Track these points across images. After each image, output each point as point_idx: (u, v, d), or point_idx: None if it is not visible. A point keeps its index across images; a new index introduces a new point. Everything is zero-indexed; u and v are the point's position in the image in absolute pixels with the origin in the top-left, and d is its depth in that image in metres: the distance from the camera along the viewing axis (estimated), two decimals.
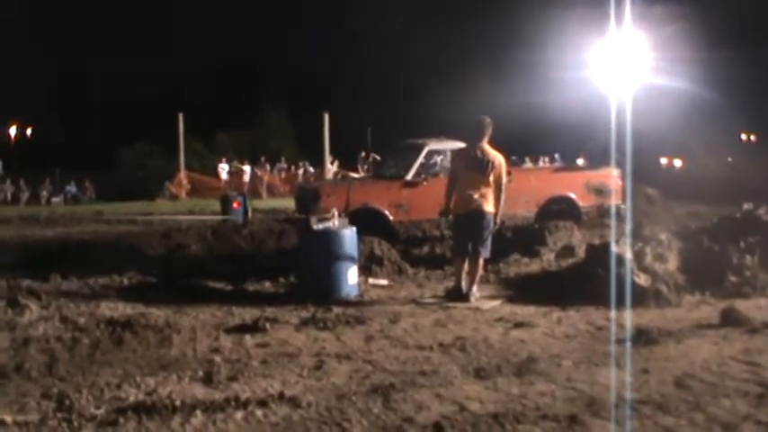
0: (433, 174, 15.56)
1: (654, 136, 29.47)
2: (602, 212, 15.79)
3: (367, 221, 13.08)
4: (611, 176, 16.17)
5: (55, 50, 61.47)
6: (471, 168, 10.23)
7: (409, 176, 15.15)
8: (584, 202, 15.99)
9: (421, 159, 15.35)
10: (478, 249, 10.33)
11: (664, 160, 43.52)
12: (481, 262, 10.48)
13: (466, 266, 10.45)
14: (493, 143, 10.42)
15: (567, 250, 13.31)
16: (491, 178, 10.27)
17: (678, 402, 6.08)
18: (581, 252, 12.41)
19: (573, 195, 15.93)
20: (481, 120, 10.43)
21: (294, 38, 73.03)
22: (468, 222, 10.31)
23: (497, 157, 10.37)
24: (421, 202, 14.82)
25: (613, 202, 15.56)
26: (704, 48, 34.04)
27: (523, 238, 13.97)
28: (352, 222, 11.82)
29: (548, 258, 13.28)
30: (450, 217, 10.72)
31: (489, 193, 10.28)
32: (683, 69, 30.96)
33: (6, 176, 43.10)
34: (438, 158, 15.94)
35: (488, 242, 10.45)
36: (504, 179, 10.48)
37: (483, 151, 10.30)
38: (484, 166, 10.21)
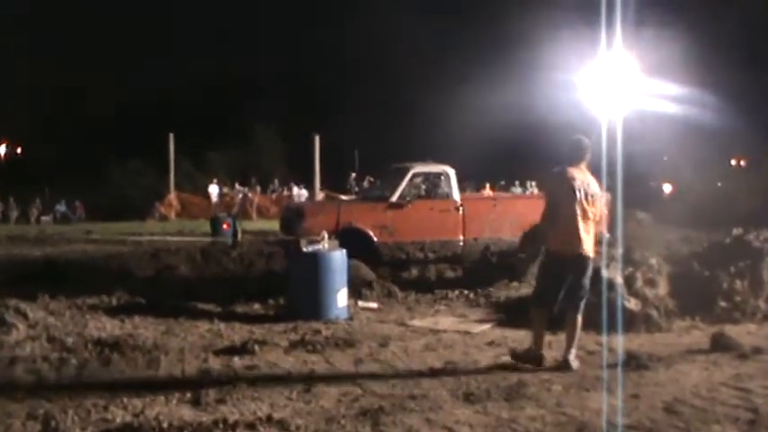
0: (418, 196, 15.62)
1: (644, 160, 29.55)
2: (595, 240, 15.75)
3: (351, 242, 13.07)
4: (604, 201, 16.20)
5: (45, 69, 61.47)
6: (576, 197, 8.01)
7: (394, 198, 15.16)
8: None
9: (406, 182, 15.38)
10: (579, 303, 8.19)
11: (668, 186, 43.58)
12: (580, 318, 8.26)
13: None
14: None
15: None
16: (595, 211, 8.18)
17: (668, 428, 6.07)
18: None
19: None
20: (579, 140, 8.33)
21: (285, 57, 73.07)
22: (569, 268, 8.05)
23: (598, 186, 8.34)
24: (405, 223, 14.92)
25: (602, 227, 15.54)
26: (695, 72, 34.21)
27: (509, 263, 13.90)
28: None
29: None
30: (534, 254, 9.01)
31: (593, 232, 8.19)
32: (673, 94, 31.10)
33: None
34: (421, 180, 16.06)
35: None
36: (605, 212, 8.51)
37: (586, 177, 8.22)
38: (589, 195, 8.08)
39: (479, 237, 15.16)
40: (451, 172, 15.68)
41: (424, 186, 16.14)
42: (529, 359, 8.06)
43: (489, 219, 15.42)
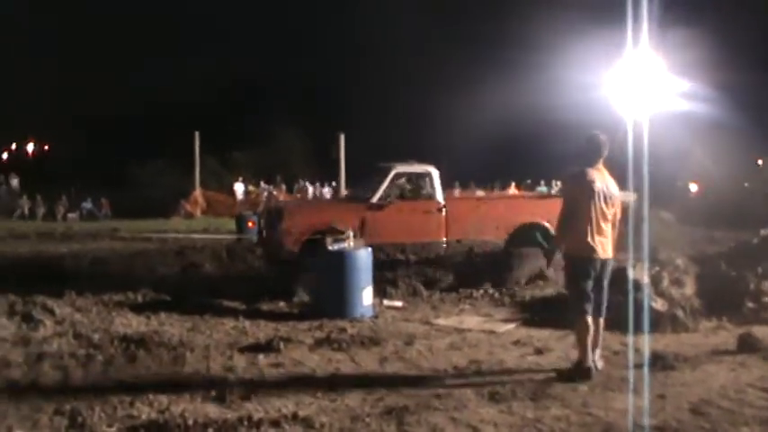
0: (400, 196, 15.34)
1: (670, 160, 29.40)
2: None
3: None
4: None
5: (72, 67, 61.89)
6: (596, 199, 7.77)
7: (375, 199, 14.79)
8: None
9: (387, 182, 15.00)
10: (601, 305, 7.93)
11: (694, 186, 43.19)
12: (602, 320, 8.03)
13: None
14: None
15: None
16: (614, 213, 8.00)
17: (695, 429, 6.05)
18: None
19: (545, 223, 15.25)
20: (595, 136, 8.06)
21: (307, 56, 73.11)
22: (591, 270, 7.80)
23: (616, 187, 8.13)
24: (385, 224, 14.41)
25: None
26: (722, 72, 33.99)
27: (493, 265, 13.73)
28: (314, 244, 12.07)
29: (562, 281, 13.16)
30: (558, 256, 8.43)
31: (611, 233, 7.96)
32: (700, 93, 30.91)
33: (23, 192, 43.27)
34: (404, 180, 15.79)
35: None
36: (619, 215, 8.13)
37: (605, 177, 8.00)
38: (608, 196, 7.86)
39: (463, 238, 14.81)
40: (435, 172, 15.26)
41: (408, 187, 15.85)
42: (577, 374, 7.61)
43: (473, 220, 15.06)
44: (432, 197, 15.11)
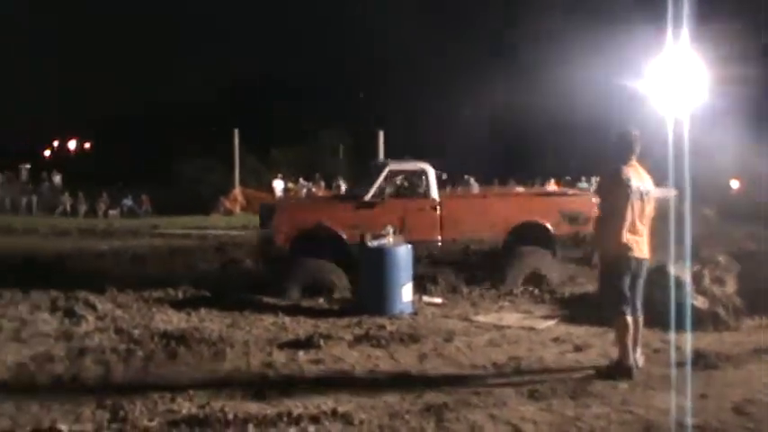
0: (395, 194, 15.14)
1: (711, 156, 29.10)
2: (579, 241, 14.70)
3: (322, 242, 12.91)
4: (588, 203, 15.00)
5: (113, 67, 62.55)
6: (632, 198, 7.59)
7: (368, 196, 14.24)
8: (557, 230, 14.38)
9: (381, 179, 14.74)
10: (637, 304, 7.82)
11: (735, 183, 42.63)
12: (641, 318, 7.91)
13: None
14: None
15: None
16: (650, 210, 7.85)
17: (737, 429, 5.99)
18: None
19: (546, 222, 14.93)
20: (627, 133, 7.90)
21: (340, 55, 73.19)
22: (627, 270, 7.66)
23: (651, 182, 7.93)
24: (378, 223, 13.93)
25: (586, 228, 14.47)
26: (763, 66, 33.63)
27: (491, 264, 13.63)
28: (305, 242, 12.07)
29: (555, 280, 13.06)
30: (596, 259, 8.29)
31: (647, 232, 7.82)
32: (740, 88, 30.58)
33: (65, 189, 43.77)
34: (399, 178, 15.57)
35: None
36: (652, 213, 7.91)
37: (640, 174, 7.81)
38: (644, 194, 7.69)
39: (459, 237, 14.25)
40: (430, 170, 14.69)
41: (405, 184, 15.60)
42: (617, 373, 7.49)
43: (469, 218, 14.77)
44: (426, 195, 14.87)
